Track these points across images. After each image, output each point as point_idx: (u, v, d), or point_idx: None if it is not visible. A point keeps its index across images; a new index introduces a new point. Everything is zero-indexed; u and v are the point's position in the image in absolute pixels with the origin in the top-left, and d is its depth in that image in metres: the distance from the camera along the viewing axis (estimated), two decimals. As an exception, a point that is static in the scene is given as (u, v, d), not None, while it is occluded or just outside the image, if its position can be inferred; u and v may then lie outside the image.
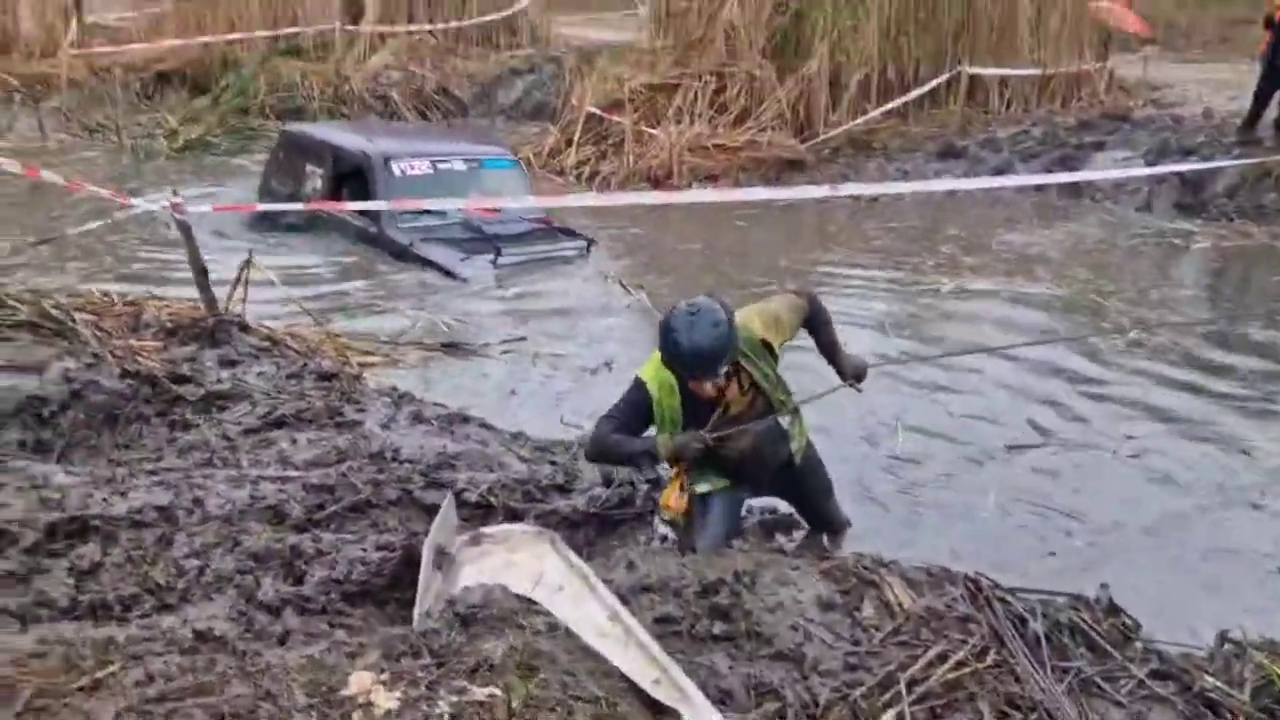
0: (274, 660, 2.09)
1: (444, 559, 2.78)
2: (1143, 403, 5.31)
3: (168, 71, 13.07)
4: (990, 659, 2.83)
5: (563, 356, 5.67)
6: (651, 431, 3.53)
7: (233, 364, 4.52)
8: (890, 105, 12.07)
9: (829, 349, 3.75)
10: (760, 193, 7.82)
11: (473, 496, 3.48)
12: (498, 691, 2.13)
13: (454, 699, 2.07)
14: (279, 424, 3.83)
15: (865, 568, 3.23)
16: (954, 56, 12.88)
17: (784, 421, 3.58)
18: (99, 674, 1.94)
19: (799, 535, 3.96)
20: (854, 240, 8.46)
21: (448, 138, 9.79)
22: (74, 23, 13.29)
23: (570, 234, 7.75)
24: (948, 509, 4.30)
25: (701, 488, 3.56)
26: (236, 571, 2.66)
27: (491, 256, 7.17)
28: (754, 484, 3.70)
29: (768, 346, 3.49)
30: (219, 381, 4.20)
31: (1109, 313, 6.72)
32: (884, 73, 12.25)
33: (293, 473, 3.28)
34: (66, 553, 2.58)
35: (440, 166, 7.83)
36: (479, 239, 7.42)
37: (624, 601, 3.01)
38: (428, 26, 14.96)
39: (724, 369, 3.26)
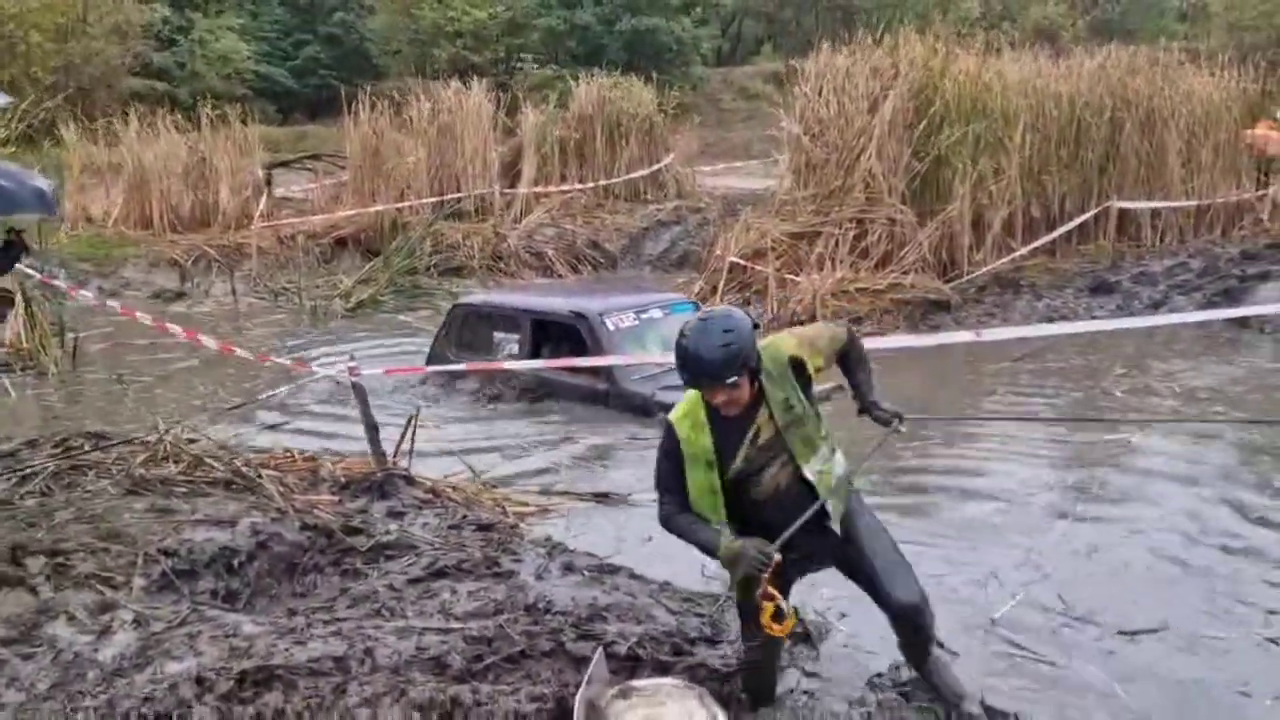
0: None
1: (595, 713, 2.87)
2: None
3: (344, 238, 14.29)
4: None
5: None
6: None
7: (399, 515, 4.83)
8: (1037, 243, 11.98)
9: (862, 388, 3.52)
10: (900, 339, 7.82)
11: (622, 649, 3.57)
12: None
13: None
14: (440, 574, 4.06)
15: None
16: (1101, 191, 12.75)
17: (809, 468, 3.24)
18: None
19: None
20: (1013, 386, 8.31)
21: (628, 290, 9.95)
22: (264, 197, 14.78)
23: None
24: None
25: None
26: (402, 721, 2.83)
27: None
28: (798, 550, 3.26)
29: (798, 366, 3.27)
30: (387, 533, 4.49)
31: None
32: (1028, 210, 12.22)
33: (454, 624, 3.48)
34: (254, 700, 2.82)
35: (643, 316, 7.89)
36: None
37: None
38: (579, 186, 15.90)
39: (734, 377, 3.07)
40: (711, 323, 3.14)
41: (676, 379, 7.94)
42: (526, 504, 5.55)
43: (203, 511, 4.39)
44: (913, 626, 3.38)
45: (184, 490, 4.68)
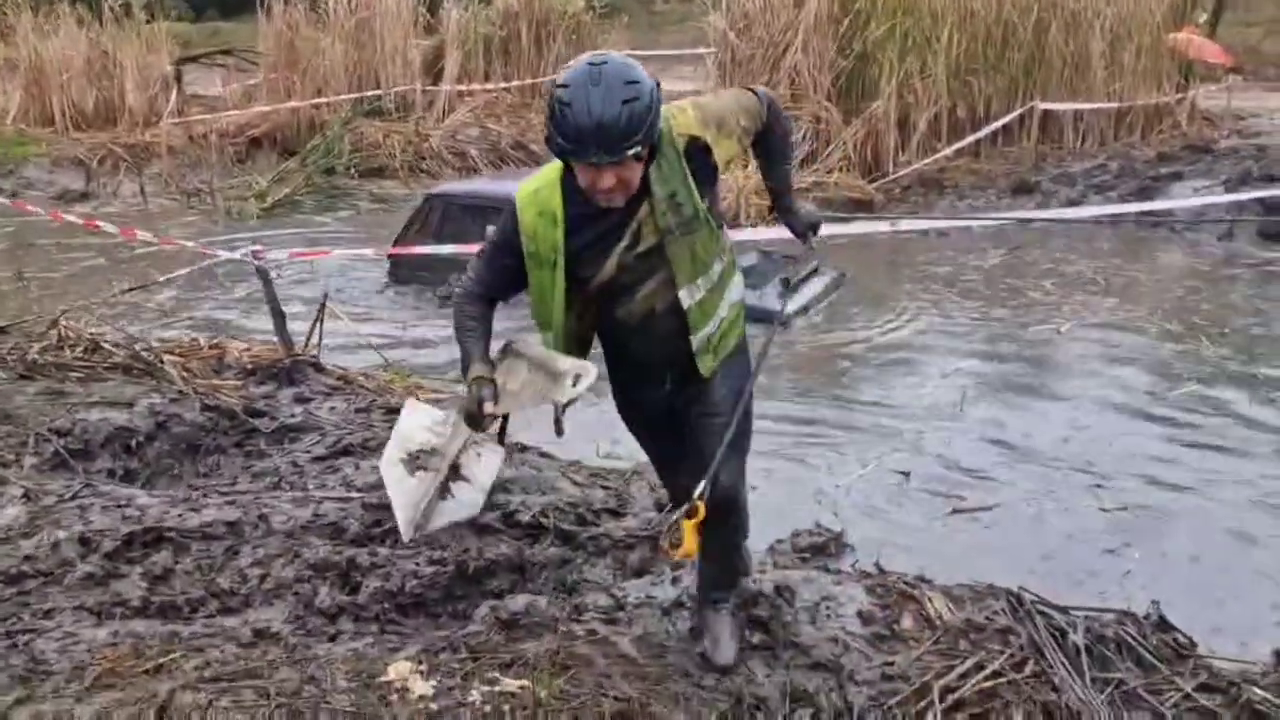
0: (321, 653, 2.24)
1: (429, 458, 2.71)
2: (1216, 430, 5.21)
3: (259, 137, 13.79)
4: (1028, 670, 2.83)
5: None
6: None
7: (306, 400, 4.77)
8: (961, 144, 12.04)
9: (779, 186, 2.83)
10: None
11: (525, 517, 3.61)
12: (528, 684, 2.24)
13: (485, 689, 2.18)
14: (345, 452, 4.04)
15: (906, 583, 3.26)
16: (1026, 93, 12.81)
17: (687, 293, 2.53)
18: (162, 660, 2.11)
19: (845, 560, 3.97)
20: (939, 279, 8.41)
21: None
22: (174, 94, 14.16)
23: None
24: (1001, 527, 4.29)
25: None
26: (296, 580, 2.84)
27: (779, 289, 6.54)
28: (652, 380, 2.72)
29: (702, 151, 2.47)
30: (292, 416, 4.44)
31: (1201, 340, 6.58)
32: (954, 111, 12.25)
33: (354, 494, 3.47)
34: (142, 560, 2.79)
35: None
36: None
37: (665, 613, 3.11)
38: (504, 85, 15.50)
39: (635, 148, 2.25)
40: (609, 69, 2.27)
41: None
42: (440, 391, 5.52)
43: (99, 395, 4.29)
44: (724, 509, 2.63)
45: (80, 375, 4.55)
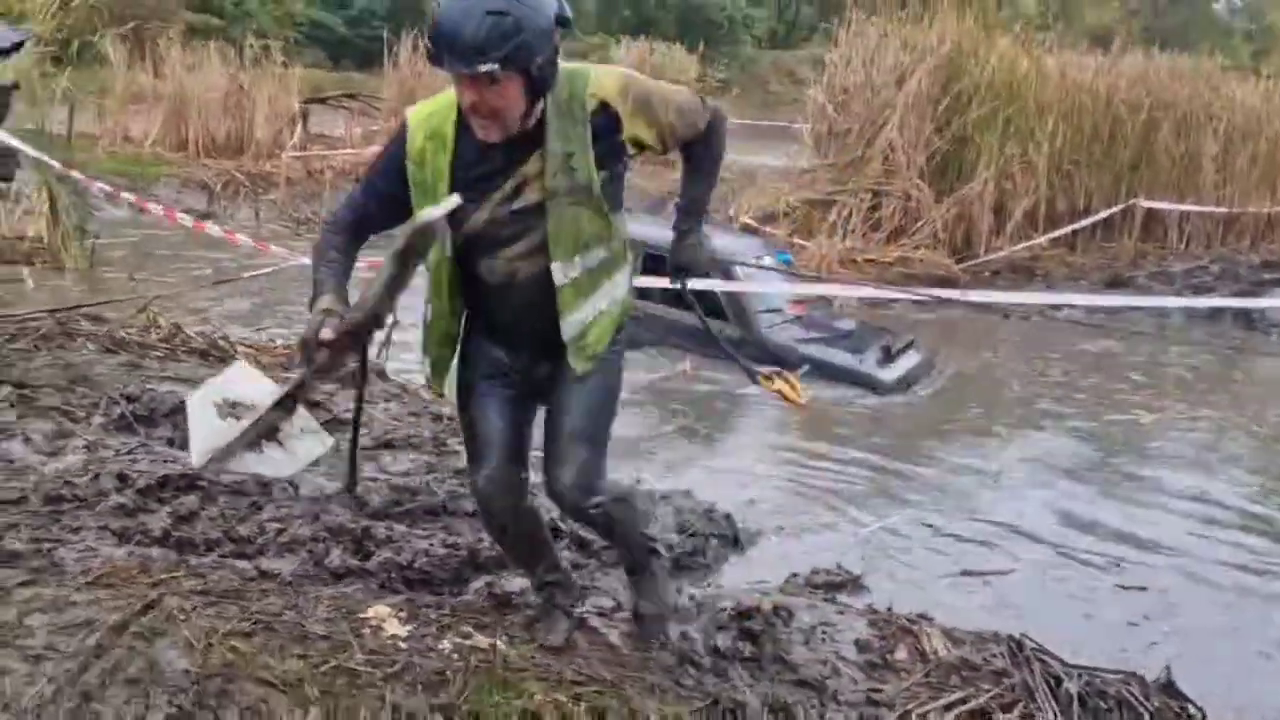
0: (312, 590, 2.37)
1: (242, 410, 2.66)
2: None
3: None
4: (1016, 713, 2.78)
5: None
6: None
7: (367, 403, 4.98)
8: (1057, 233, 11.92)
9: (690, 205, 2.59)
10: (882, 291, 7.81)
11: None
12: (499, 643, 2.32)
13: (457, 640, 2.27)
14: (388, 445, 4.22)
15: (908, 619, 3.25)
16: (1130, 188, 12.64)
17: (561, 268, 2.34)
18: (164, 576, 2.27)
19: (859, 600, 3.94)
20: (1020, 360, 8.22)
21: (728, 230, 9.26)
22: (298, 131, 15.00)
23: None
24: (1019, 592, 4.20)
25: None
26: (311, 539, 2.99)
27: (879, 356, 6.88)
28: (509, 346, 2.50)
29: (610, 121, 2.31)
30: (346, 411, 4.64)
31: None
32: (1053, 201, 12.16)
33: (383, 477, 3.63)
34: (170, 500, 2.98)
35: (763, 263, 7.35)
36: (841, 337, 7.16)
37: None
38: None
39: (492, 63, 2.09)
40: None
41: (819, 330, 7.24)
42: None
43: (172, 372, 4.58)
44: (566, 511, 2.67)
45: (160, 355, 4.87)
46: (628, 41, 17.89)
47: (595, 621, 2.94)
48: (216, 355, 5.01)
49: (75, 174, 9.01)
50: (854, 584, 3.97)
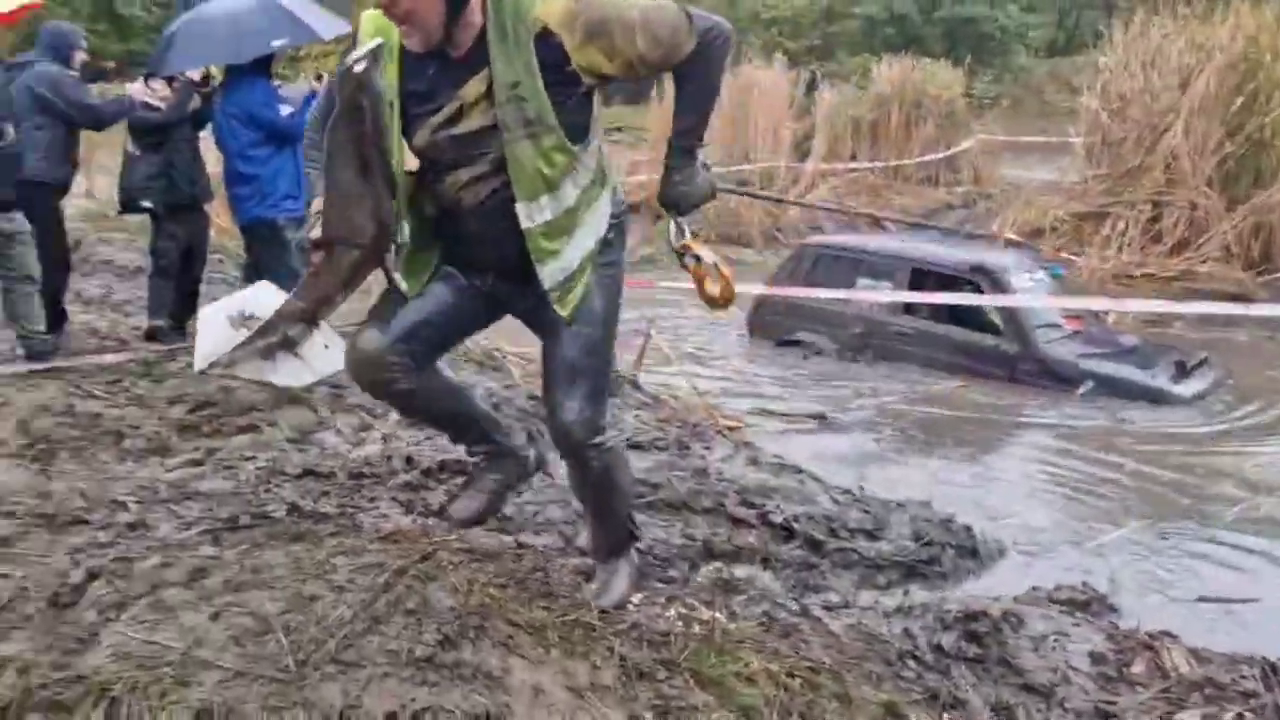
0: (559, 560, 2.70)
1: (254, 323, 2.69)
2: None
3: (635, 203, 15.24)
4: (1266, 733, 2.65)
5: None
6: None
7: (616, 408, 5.37)
8: (1382, 244, 10.61)
9: (681, 137, 2.32)
10: (1152, 305, 7.30)
11: (778, 519, 3.88)
12: (719, 615, 2.53)
13: (682, 610, 2.51)
14: (634, 446, 4.54)
15: (1149, 634, 3.14)
16: None
17: (526, 210, 2.22)
18: (438, 538, 2.67)
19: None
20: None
21: (995, 246, 9.04)
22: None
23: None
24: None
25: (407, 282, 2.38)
26: (563, 521, 3.35)
27: (1172, 372, 6.63)
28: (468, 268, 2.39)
29: (555, 50, 2.13)
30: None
31: None
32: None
33: (628, 471, 3.96)
34: (447, 481, 3.45)
35: (1035, 277, 7.24)
36: (1126, 352, 6.96)
37: (887, 616, 3.23)
38: (868, 164, 15.90)
39: None
40: None
41: (1101, 345, 7.04)
42: (741, 420, 5.93)
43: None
44: (569, 451, 2.46)
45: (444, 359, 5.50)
46: (889, 59, 17.70)
47: (820, 612, 3.08)
48: (491, 364, 5.58)
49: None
50: (1099, 602, 3.82)
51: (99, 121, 5.46)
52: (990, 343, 6.98)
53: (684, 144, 2.35)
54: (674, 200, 2.38)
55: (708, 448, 4.71)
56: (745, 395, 6.95)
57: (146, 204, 5.81)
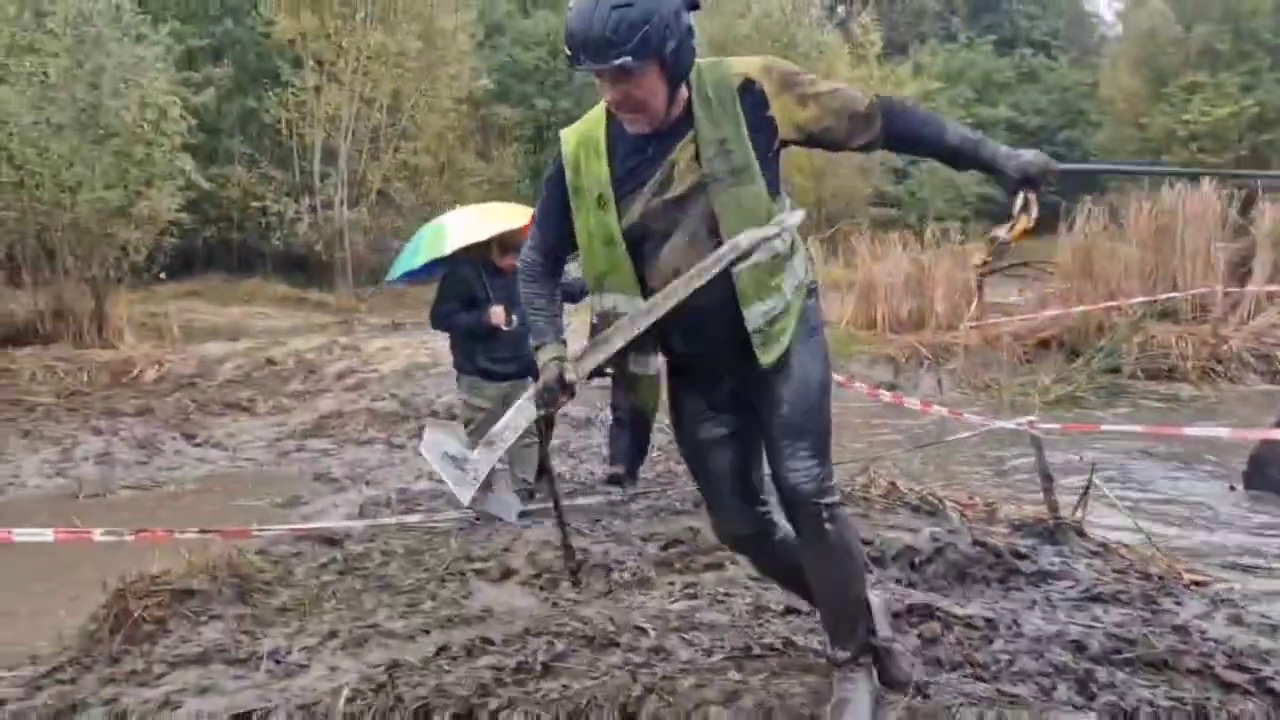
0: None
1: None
2: None
3: (1048, 339, 14.63)
4: None
5: None
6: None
7: (1065, 556, 5.21)
8: None
9: (966, 152, 2.45)
10: None
11: (1278, 685, 3.55)
12: None
13: None
14: (1095, 599, 4.38)
15: None
16: None
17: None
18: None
19: None
20: None
21: None
22: (974, 302, 15.84)
23: None
24: None
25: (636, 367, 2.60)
26: (1038, 673, 3.33)
27: None
28: (700, 365, 2.55)
29: (757, 97, 2.36)
30: (1050, 564, 4.93)
31: None
32: None
33: (1096, 623, 3.82)
34: (917, 625, 3.59)
35: None
36: None
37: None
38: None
39: (624, 56, 2.20)
40: None
41: None
42: (1205, 574, 5.45)
43: (893, 521, 5.32)
44: (801, 515, 2.47)
45: (880, 508, 5.67)
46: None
47: None
48: (927, 508, 5.67)
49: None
50: None
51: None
52: None
53: (984, 154, 2.47)
54: (1020, 169, 2.43)
55: (1179, 603, 4.42)
56: (1216, 549, 6.39)
57: (608, 369, 6.76)
